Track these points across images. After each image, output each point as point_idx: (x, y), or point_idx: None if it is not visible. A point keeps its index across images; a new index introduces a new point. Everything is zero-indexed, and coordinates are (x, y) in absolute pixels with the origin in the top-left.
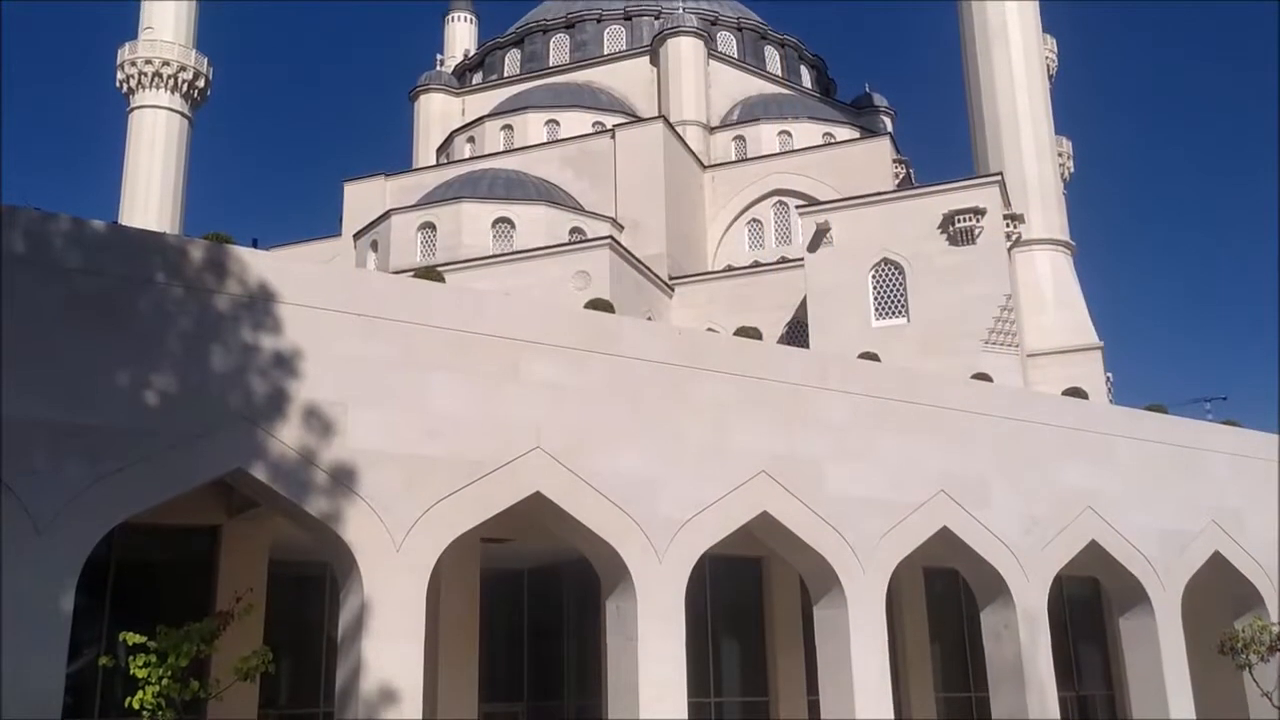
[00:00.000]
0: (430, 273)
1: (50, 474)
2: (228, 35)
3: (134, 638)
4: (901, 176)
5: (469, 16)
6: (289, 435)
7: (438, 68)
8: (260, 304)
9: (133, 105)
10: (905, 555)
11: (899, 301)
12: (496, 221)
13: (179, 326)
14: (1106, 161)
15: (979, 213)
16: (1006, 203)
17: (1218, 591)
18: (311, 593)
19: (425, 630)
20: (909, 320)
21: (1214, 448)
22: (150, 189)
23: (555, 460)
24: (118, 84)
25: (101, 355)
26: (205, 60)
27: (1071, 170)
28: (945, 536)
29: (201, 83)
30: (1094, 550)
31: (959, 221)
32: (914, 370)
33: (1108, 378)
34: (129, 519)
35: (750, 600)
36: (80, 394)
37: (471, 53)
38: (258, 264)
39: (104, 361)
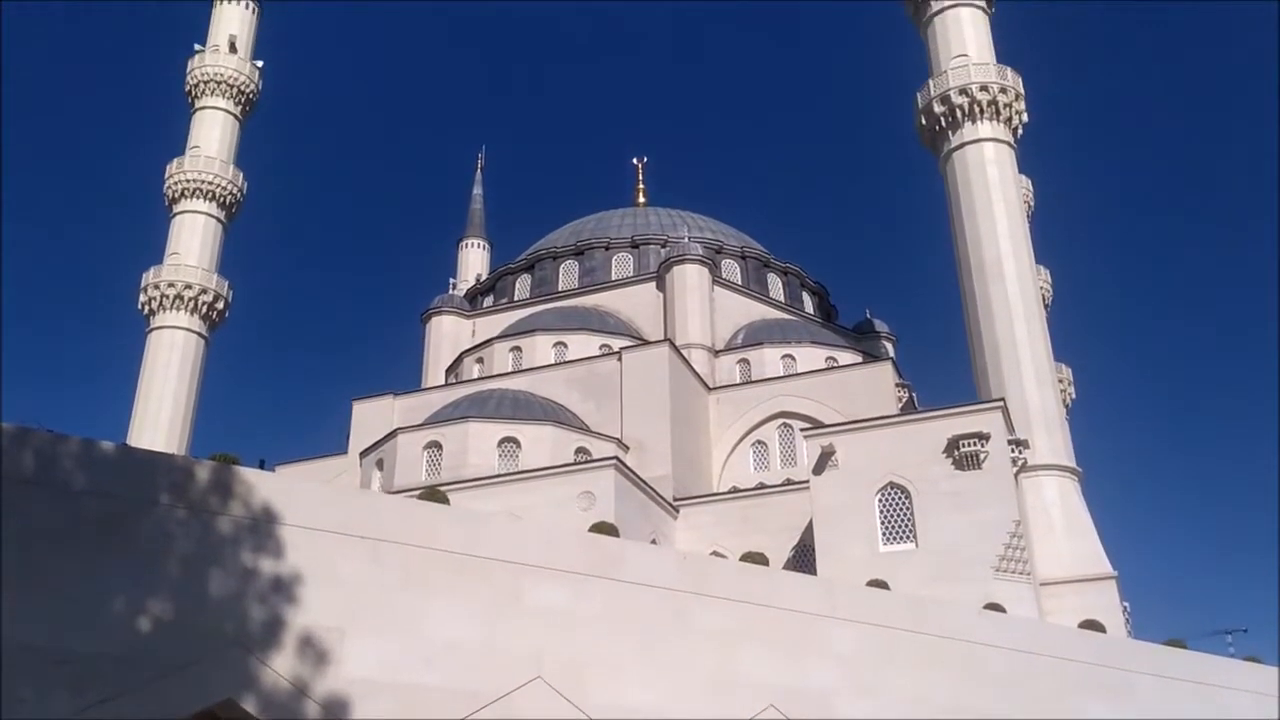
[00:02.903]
0: (434, 493)
1: (36, 704)
2: (246, 256)
3: None
4: (905, 400)
5: (482, 243)
6: (283, 664)
7: (450, 291)
8: (263, 526)
9: (152, 326)
10: None
11: (906, 526)
12: (503, 441)
13: (180, 549)
14: (1107, 387)
15: (983, 438)
16: (1010, 428)
17: None
18: None
19: None
20: (917, 546)
21: (1237, 685)
22: (162, 407)
23: (556, 692)
24: (139, 305)
25: (99, 579)
26: (226, 284)
27: (1073, 396)
28: None
29: (221, 305)
30: None
31: (964, 446)
32: (924, 599)
33: (1124, 608)
34: None
35: None
36: (75, 619)
37: (484, 277)
38: (262, 485)
39: (101, 586)
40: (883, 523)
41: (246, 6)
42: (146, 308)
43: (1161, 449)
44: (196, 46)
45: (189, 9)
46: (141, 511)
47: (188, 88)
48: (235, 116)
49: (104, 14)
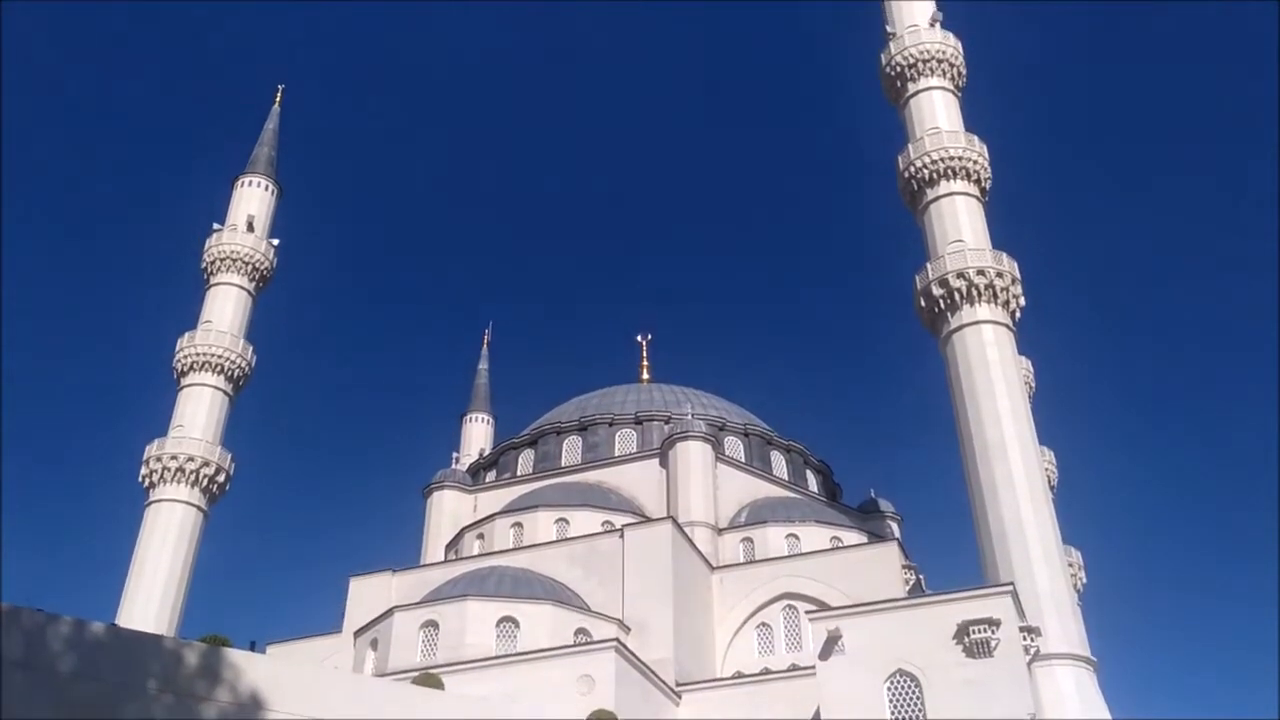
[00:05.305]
0: (428, 676)
1: None
2: (249, 427)
3: None
4: (912, 583)
5: (486, 418)
6: None
7: (453, 465)
8: (249, 714)
9: (151, 499)
10: None
11: (918, 718)
12: (501, 620)
13: None
14: (1119, 573)
15: (994, 623)
16: (1021, 614)
17: None
18: None
19: None
20: None
21: None
22: (155, 581)
23: None
24: (140, 477)
25: None
26: (229, 456)
27: (1084, 581)
28: None
29: (222, 477)
30: None
31: (974, 632)
32: None
33: None
34: None
35: None
36: None
37: (487, 451)
38: (250, 669)
39: None
40: (893, 713)
41: (266, 189)
42: (148, 480)
43: (1176, 637)
44: (215, 225)
45: (211, 192)
46: (129, 697)
47: (204, 264)
48: (249, 292)
49: (119, 193)
